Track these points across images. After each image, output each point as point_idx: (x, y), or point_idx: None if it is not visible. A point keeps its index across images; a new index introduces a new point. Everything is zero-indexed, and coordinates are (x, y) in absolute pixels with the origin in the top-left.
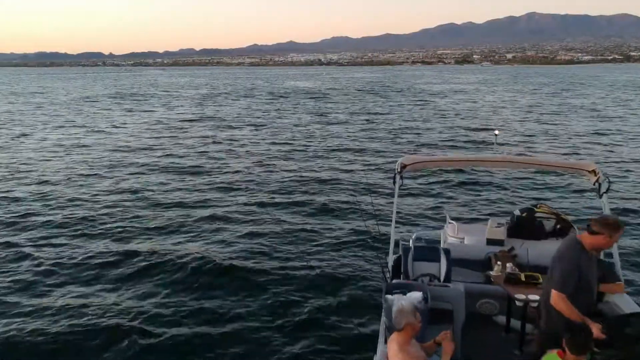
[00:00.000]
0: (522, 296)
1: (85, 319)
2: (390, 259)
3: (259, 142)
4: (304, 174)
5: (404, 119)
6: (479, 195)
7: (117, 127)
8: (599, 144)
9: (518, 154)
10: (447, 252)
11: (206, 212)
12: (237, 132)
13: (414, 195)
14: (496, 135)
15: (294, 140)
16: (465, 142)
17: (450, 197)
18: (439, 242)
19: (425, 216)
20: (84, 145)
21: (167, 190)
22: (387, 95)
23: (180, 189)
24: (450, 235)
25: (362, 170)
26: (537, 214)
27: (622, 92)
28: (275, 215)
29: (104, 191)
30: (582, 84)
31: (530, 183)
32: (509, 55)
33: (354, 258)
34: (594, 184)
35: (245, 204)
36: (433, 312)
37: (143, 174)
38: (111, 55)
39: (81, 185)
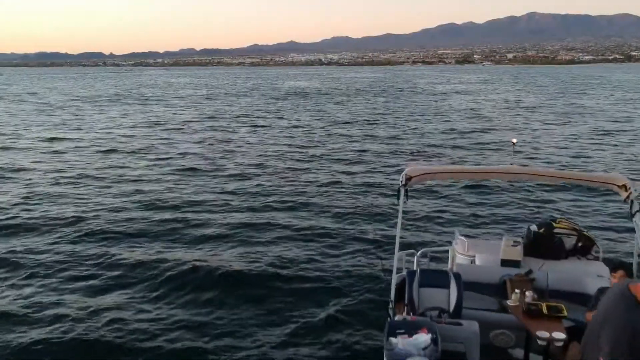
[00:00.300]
0: (546, 334)
1: (72, 326)
2: (394, 279)
3: (257, 145)
4: (301, 179)
5: (408, 121)
6: (491, 206)
7: (115, 128)
8: (620, 146)
9: (528, 156)
10: (457, 277)
11: (201, 217)
12: (234, 135)
13: (419, 205)
14: (513, 143)
15: (293, 144)
16: (474, 145)
17: (460, 208)
18: (446, 259)
19: (431, 229)
20: (79, 147)
21: (162, 193)
22: (389, 96)
23: (175, 192)
24: (460, 253)
25: (364, 175)
26: (556, 230)
27: (626, 92)
28: (270, 224)
29: (98, 194)
30: (589, 84)
31: (547, 194)
32: (510, 55)
33: (354, 273)
34: (625, 201)
35: (239, 210)
36: (443, 354)
37: (138, 176)
38: (112, 55)
39: (76, 187)
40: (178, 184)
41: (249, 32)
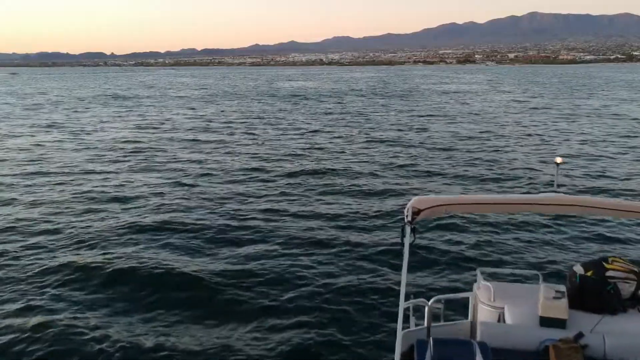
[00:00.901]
0: None
1: (55, 333)
2: (398, 343)
3: (253, 147)
4: (294, 191)
5: (414, 124)
6: (522, 239)
7: (110, 129)
8: None
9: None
10: (483, 348)
11: (192, 225)
12: (231, 137)
13: (430, 238)
14: (557, 164)
15: (291, 146)
16: (496, 157)
17: (481, 244)
18: (466, 311)
19: (446, 269)
20: (73, 147)
21: (155, 196)
22: (391, 97)
23: (169, 196)
24: (483, 302)
25: (363, 186)
26: (609, 273)
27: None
28: (257, 240)
29: (89, 197)
30: (599, 84)
31: (594, 224)
32: (511, 55)
33: (348, 327)
34: None
35: (231, 217)
36: None
37: (126, 180)
38: (113, 56)
39: (54, 191)
40: (173, 188)
41: (250, 32)
